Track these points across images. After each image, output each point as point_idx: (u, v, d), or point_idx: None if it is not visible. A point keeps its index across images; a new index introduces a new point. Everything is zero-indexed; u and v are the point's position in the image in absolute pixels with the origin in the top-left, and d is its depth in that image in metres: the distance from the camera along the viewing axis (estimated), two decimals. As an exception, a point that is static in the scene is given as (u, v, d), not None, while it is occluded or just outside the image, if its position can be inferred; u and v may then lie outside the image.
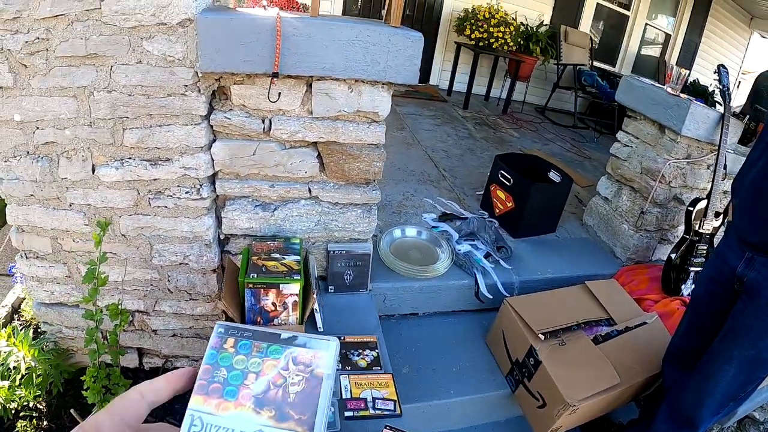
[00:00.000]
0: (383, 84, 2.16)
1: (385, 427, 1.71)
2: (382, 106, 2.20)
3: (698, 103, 3.02)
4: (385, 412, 1.96)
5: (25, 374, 2.42)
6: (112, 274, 2.34)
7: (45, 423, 2.50)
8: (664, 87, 3.26)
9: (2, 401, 2.45)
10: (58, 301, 2.50)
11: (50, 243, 2.32)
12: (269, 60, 1.93)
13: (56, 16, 1.83)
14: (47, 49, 1.89)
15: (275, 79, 2.00)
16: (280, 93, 2.08)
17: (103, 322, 2.12)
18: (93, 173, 2.13)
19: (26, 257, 2.38)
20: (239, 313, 2.08)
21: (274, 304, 2.05)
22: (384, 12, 2.33)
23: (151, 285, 2.43)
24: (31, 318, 2.86)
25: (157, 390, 0.62)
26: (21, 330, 2.56)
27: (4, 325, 2.68)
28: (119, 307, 2.14)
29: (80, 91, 1.97)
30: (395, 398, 2.00)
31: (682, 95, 3.11)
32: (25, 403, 2.53)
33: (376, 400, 1.98)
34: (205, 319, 2.57)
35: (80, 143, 2.07)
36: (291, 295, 2.04)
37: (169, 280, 2.42)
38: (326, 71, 2.03)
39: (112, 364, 2.18)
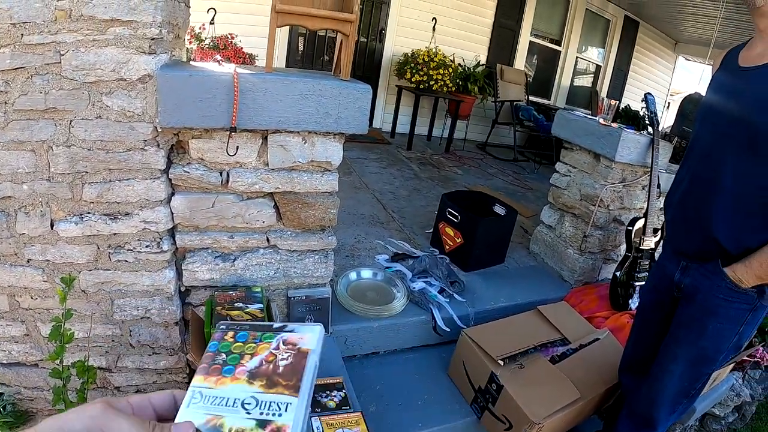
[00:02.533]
0: (335, 134, 2.24)
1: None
2: (334, 155, 2.28)
3: (629, 130, 3.20)
4: None
5: None
6: (74, 330, 2.22)
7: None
8: (597, 118, 3.43)
9: (-43, 471, 2.37)
10: (15, 361, 2.42)
11: (7, 300, 2.25)
12: (227, 115, 1.98)
13: (15, 69, 1.83)
14: (6, 102, 1.88)
15: (233, 133, 2.05)
16: (237, 147, 2.13)
17: (70, 380, 2.08)
18: (52, 228, 2.09)
19: None
20: None
21: None
22: (333, 64, 2.44)
23: (113, 341, 2.39)
24: None
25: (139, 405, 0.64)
26: None
27: None
28: (86, 364, 2.09)
29: (39, 145, 1.95)
30: None
31: (613, 124, 3.29)
32: (-16, 473, 2.44)
33: None
34: (168, 373, 2.52)
35: (38, 198, 2.04)
36: None
37: (131, 335, 2.38)
38: (281, 124, 2.09)
39: None
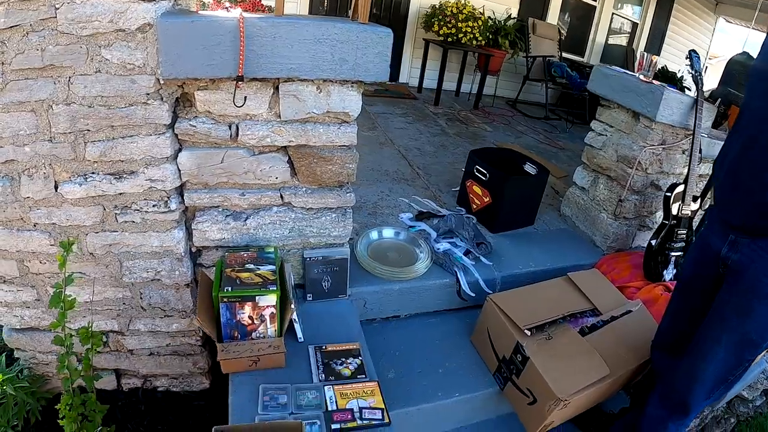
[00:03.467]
0: (353, 83, 2.11)
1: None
2: (352, 105, 2.16)
3: (671, 89, 3.01)
4: (374, 422, 1.91)
5: (1, 403, 2.35)
6: (83, 294, 2.26)
7: (23, 455, 2.46)
8: (637, 74, 3.24)
9: (-24, 434, 2.42)
10: (29, 326, 2.42)
11: (17, 266, 2.24)
12: (233, 63, 1.88)
13: (11, 27, 1.77)
14: (2, 63, 1.82)
15: (240, 82, 1.94)
16: (246, 97, 2.02)
17: (74, 345, 2.03)
18: (56, 190, 2.04)
19: None
20: (215, 329, 2.02)
21: (250, 317, 1.99)
22: (350, 11, 2.29)
23: (124, 304, 2.36)
24: (4, 344, 2.74)
25: None
26: None
27: None
28: (90, 330, 2.05)
29: (39, 105, 1.90)
30: (383, 406, 1.95)
31: (654, 82, 3.10)
32: (3, 434, 2.51)
33: (363, 410, 1.93)
34: (181, 336, 2.50)
35: (41, 160, 1.99)
36: (268, 306, 1.98)
37: (141, 298, 2.35)
38: (293, 72, 1.97)
39: (88, 389, 2.10)
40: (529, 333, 2.36)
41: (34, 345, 2.47)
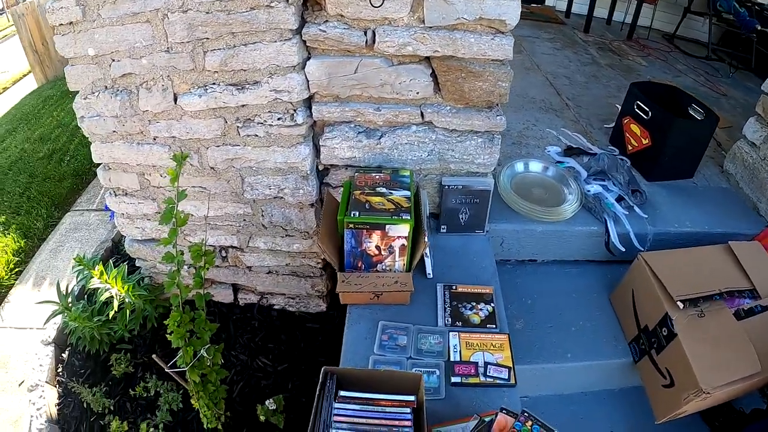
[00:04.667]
0: (511, -16, 1.87)
1: (501, 410, 1.47)
2: (509, 12, 1.92)
3: None
4: (498, 381, 1.77)
5: (120, 309, 2.51)
6: (202, 209, 2.32)
7: (138, 356, 2.65)
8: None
9: (97, 336, 2.60)
10: (150, 237, 2.57)
11: (137, 179, 2.36)
12: None
13: None
14: None
15: None
16: None
17: (183, 263, 2.04)
18: (175, 103, 2.08)
19: (115, 195, 2.45)
20: (337, 256, 1.95)
21: (378, 247, 1.88)
22: None
23: (244, 220, 2.41)
24: (126, 254, 2.92)
25: None
26: (116, 266, 2.70)
27: (105, 261, 2.87)
28: (203, 247, 2.02)
29: (153, 14, 1.89)
30: (510, 365, 1.81)
31: None
32: (121, 337, 2.68)
33: (489, 366, 1.79)
34: (302, 257, 2.52)
35: (159, 72, 2.02)
36: (399, 237, 1.86)
37: (263, 216, 2.38)
38: None
39: (198, 307, 2.11)
40: (681, 305, 2.09)
41: (154, 255, 2.63)
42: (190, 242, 2.25)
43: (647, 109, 2.97)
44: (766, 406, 2.36)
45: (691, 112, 3.18)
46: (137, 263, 2.70)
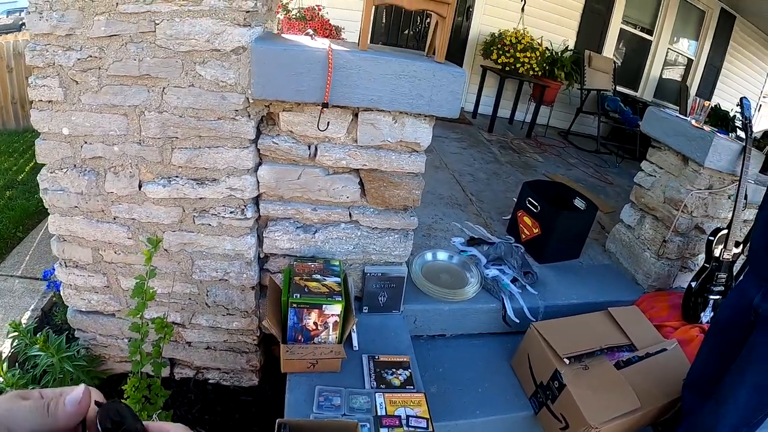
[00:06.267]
0: (426, 116, 2.25)
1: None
2: (424, 137, 2.29)
3: (721, 135, 3.09)
4: (419, 430, 2.02)
5: (58, 379, 2.46)
6: (154, 287, 2.34)
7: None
8: (689, 119, 3.32)
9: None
10: (94, 310, 2.54)
11: (91, 254, 2.37)
12: (320, 90, 2.02)
13: (110, 36, 1.92)
14: (99, 68, 1.97)
15: (325, 108, 2.08)
16: (328, 122, 2.16)
17: (148, 334, 2.15)
18: (139, 189, 2.20)
19: (66, 266, 2.44)
20: (281, 331, 2.16)
21: (315, 323, 2.13)
22: (427, 45, 2.43)
23: (190, 299, 2.49)
24: (63, 323, 2.87)
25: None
26: (51, 335, 2.56)
27: (36, 331, 2.70)
28: (164, 321, 2.18)
29: (131, 110, 2.05)
30: (428, 416, 2.06)
31: (705, 127, 3.18)
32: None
33: (410, 418, 2.04)
34: (240, 334, 2.61)
35: (128, 159, 2.15)
36: (333, 315, 2.12)
37: (207, 295, 2.47)
38: (373, 103, 2.11)
39: (152, 374, 2.24)
40: (567, 362, 2.46)
41: (96, 327, 2.59)
42: (137, 321, 2.27)
43: (536, 204, 3.41)
44: None
45: (576, 203, 3.67)
46: (77, 334, 2.66)
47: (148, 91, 2.02)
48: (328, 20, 5.78)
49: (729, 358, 2.18)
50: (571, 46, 8.20)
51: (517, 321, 2.91)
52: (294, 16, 5.75)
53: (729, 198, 3.32)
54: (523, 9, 7.45)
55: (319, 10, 5.80)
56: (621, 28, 8.83)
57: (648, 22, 9.23)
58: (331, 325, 2.15)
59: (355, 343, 2.37)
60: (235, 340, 2.65)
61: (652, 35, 9.29)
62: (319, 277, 2.23)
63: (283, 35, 2.29)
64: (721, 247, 3.01)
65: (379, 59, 2.06)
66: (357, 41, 2.21)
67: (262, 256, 2.47)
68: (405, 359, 2.34)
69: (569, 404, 2.34)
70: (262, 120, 2.20)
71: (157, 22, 1.90)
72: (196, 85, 2.01)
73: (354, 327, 2.30)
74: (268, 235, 2.38)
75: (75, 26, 1.90)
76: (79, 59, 1.95)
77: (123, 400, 1.96)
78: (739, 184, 2.99)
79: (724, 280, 3.07)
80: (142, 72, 1.97)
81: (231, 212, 2.26)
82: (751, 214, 3.46)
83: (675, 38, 9.64)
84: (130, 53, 1.95)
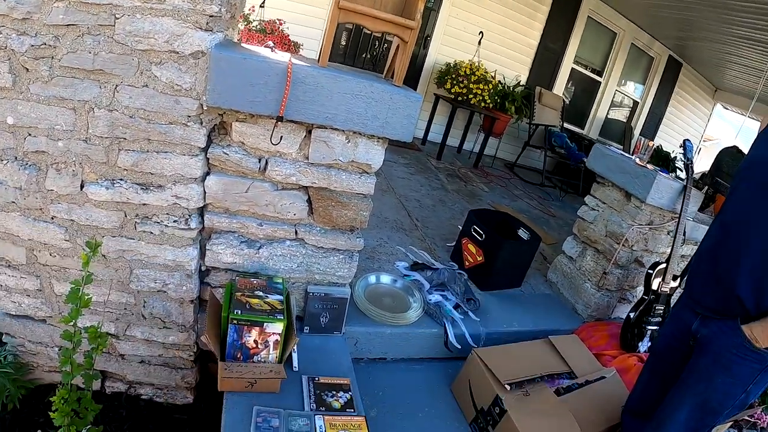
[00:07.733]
0: (379, 138, 2.25)
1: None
2: (375, 159, 2.30)
3: (663, 174, 3.20)
4: None
5: None
6: (89, 294, 2.22)
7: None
8: (633, 157, 3.42)
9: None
10: (24, 314, 2.42)
11: (25, 254, 2.26)
12: (276, 103, 2.00)
13: (67, 25, 1.85)
14: (53, 57, 1.90)
15: (279, 122, 2.07)
16: (282, 136, 2.15)
17: (81, 343, 2.04)
18: (81, 189, 2.11)
19: None
20: (219, 348, 2.10)
21: (255, 341, 2.09)
22: (386, 67, 2.45)
23: (125, 309, 2.40)
24: None
25: None
26: None
27: None
28: (98, 330, 2.07)
29: (80, 105, 1.98)
30: None
31: (648, 166, 3.29)
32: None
33: None
34: (176, 349, 2.53)
35: (72, 157, 2.06)
36: (274, 334, 2.08)
37: (144, 306, 2.39)
38: (328, 120, 2.10)
39: (83, 387, 2.12)
40: (508, 388, 2.48)
41: (25, 333, 2.46)
42: (69, 329, 2.16)
43: (481, 232, 3.45)
44: None
45: (520, 233, 3.73)
46: (5, 338, 2.51)
47: (100, 87, 1.95)
48: (288, 35, 5.76)
49: (667, 383, 2.25)
50: (524, 81, 8.36)
51: (459, 347, 2.91)
52: (254, 28, 5.72)
53: (668, 234, 3.44)
54: (480, 42, 7.56)
55: (281, 24, 5.78)
56: (572, 68, 9.07)
57: (599, 63, 9.51)
58: (272, 344, 2.11)
59: (295, 363, 2.32)
60: (171, 355, 2.56)
61: (601, 76, 9.58)
62: (261, 294, 2.19)
63: (243, 45, 2.26)
64: (659, 280, 3.11)
65: (338, 77, 2.05)
66: (317, 58, 2.20)
67: (203, 269, 2.41)
68: (346, 381, 2.31)
69: (510, 429, 2.35)
70: (214, 129, 2.15)
71: (117, 16, 1.85)
72: (150, 86, 1.96)
73: (295, 347, 2.25)
74: (211, 247, 2.32)
75: (33, 10, 1.83)
76: (32, 45, 1.88)
77: (51, 413, 1.91)
78: (679, 221, 3.09)
79: (661, 311, 3.18)
80: (96, 66, 1.91)
81: (174, 221, 2.19)
82: (689, 249, 3.57)
83: (623, 81, 9.97)
84: (86, 45, 1.88)
